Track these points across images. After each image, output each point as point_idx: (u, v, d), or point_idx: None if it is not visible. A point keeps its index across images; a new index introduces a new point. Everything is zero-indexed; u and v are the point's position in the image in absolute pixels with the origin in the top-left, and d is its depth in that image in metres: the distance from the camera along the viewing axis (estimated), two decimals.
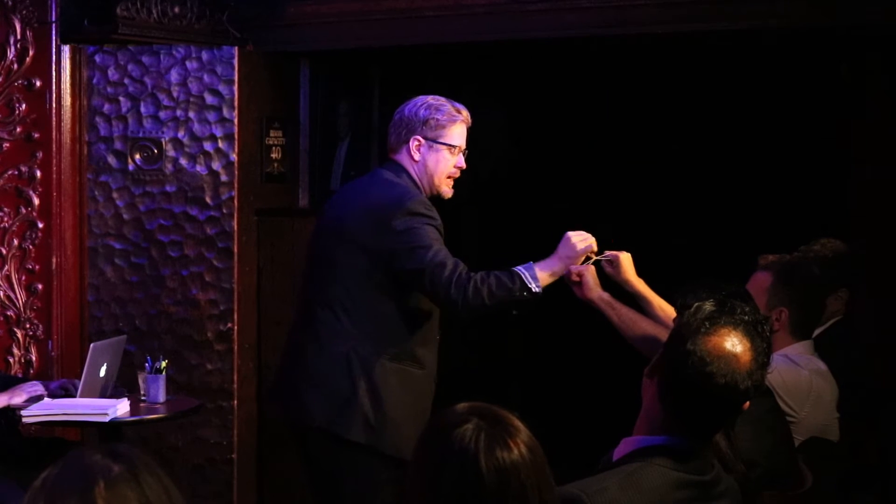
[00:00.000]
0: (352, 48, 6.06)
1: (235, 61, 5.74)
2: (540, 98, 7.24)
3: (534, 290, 3.91)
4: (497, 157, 7.26)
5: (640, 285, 3.93)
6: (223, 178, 5.74)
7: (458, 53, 6.46)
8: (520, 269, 3.94)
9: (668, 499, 2.43)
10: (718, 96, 6.71)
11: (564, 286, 4.01)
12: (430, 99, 4.21)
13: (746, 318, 2.53)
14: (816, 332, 4.40)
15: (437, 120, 4.15)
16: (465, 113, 4.23)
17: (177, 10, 5.79)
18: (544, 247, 6.85)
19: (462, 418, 2.02)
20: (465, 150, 4.23)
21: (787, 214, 6.33)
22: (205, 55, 5.75)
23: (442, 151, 4.16)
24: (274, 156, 6.06)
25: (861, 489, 4.29)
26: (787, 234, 4.86)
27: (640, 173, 7.08)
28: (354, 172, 6.81)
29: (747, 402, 2.53)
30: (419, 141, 4.13)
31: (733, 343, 2.48)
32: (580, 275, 3.94)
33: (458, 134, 4.20)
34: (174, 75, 5.76)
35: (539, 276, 3.94)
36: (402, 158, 4.17)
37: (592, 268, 3.98)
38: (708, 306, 2.54)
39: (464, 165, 4.23)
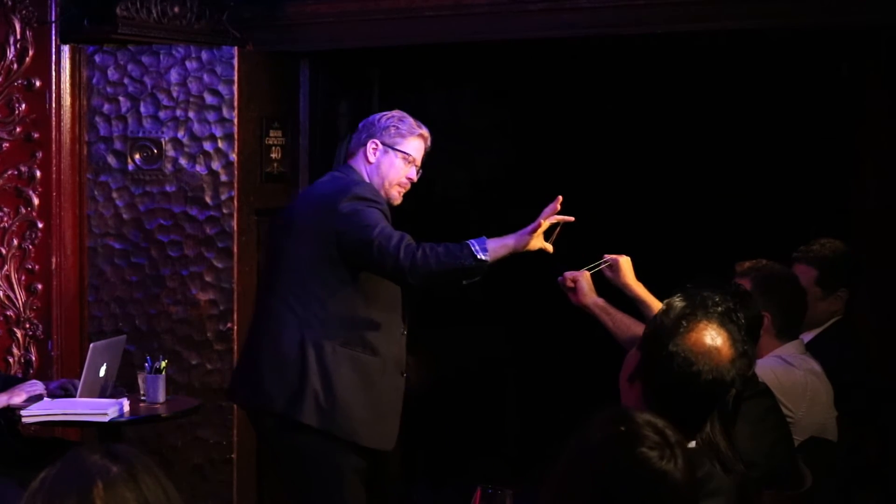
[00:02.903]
0: (352, 48, 6.07)
1: (235, 61, 5.74)
2: (539, 98, 7.24)
3: (480, 257, 4.00)
4: (496, 158, 7.27)
5: (640, 289, 3.93)
6: (223, 177, 5.74)
7: (457, 53, 6.47)
8: (471, 240, 4.07)
9: None
10: (719, 96, 6.72)
11: (561, 292, 4.02)
12: (396, 112, 4.36)
13: (720, 308, 2.54)
14: (816, 332, 4.41)
15: (398, 129, 4.28)
16: (426, 132, 4.35)
17: (176, 9, 5.79)
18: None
19: (644, 434, 2.00)
20: (420, 169, 4.33)
21: (788, 214, 6.33)
22: (204, 55, 5.75)
23: (397, 158, 4.27)
24: (274, 156, 6.05)
25: (861, 489, 4.29)
26: (787, 235, 4.86)
27: (640, 174, 7.09)
28: None
29: (733, 390, 2.55)
30: (376, 144, 4.27)
31: (712, 337, 2.49)
32: (575, 280, 3.95)
33: (415, 147, 4.31)
34: (174, 75, 5.76)
35: (490, 247, 4.04)
36: (357, 161, 4.30)
37: (587, 273, 3.98)
38: (678, 303, 2.54)
39: (415, 179, 4.34)
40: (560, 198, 4.10)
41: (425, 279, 4.03)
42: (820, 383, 3.92)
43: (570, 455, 2.04)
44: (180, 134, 5.76)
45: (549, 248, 4.12)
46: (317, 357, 4.10)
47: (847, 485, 4.08)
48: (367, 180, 4.25)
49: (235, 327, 5.76)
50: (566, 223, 4.11)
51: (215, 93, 5.73)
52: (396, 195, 4.32)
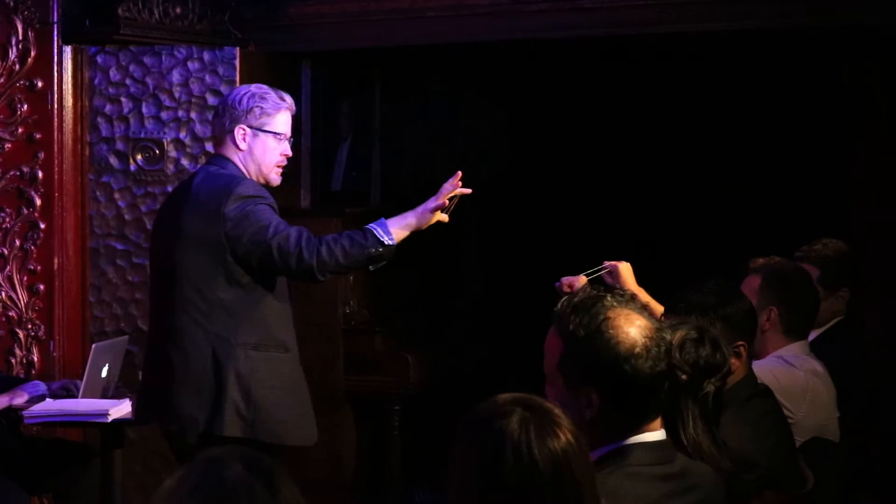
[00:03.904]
0: (353, 48, 6.07)
1: (237, 62, 5.75)
2: (541, 98, 7.25)
3: (387, 242, 3.93)
4: (498, 158, 7.27)
5: (642, 295, 3.94)
6: None
7: (458, 54, 6.47)
8: (372, 225, 3.97)
9: (655, 493, 2.43)
10: (720, 97, 6.72)
11: (557, 296, 4.01)
12: (254, 87, 4.16)
13: (620, 298, 2.50)
14: (818, 332, 4.41)
15: (262, 108, 4.08)
16: (290, 100, 4.18)
17: (178, 10, 5.79)
18: (546, 247, 6.87)
19: (507, 410, 2.03)
20: (291, 138, 4.18)
21: (789, 215, 6.33)
22: (206, 56, 5.76)
23: (268, 139, 4.09)
24: None
25: (863, 489, 4.30)
26: (788, 235, 4.87)
27: (642, 175, 7.09)
28: (356, 173, 6.82)
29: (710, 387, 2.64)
30: (244, 130, 4.06)
31: (639, 329, 2.44)
32: (571, 286, 3.93)
33: (283, 122, 4.13)
34: (176, 76, 5.76)
35: (392, 230, 3.97)
36: (227, 150, 4.10)
37: (584, 279, 3.97)
38: (586, 309, 2.47)
39: (289, 153, 4.18)
40: (460, 173, 4.04)
41: (334, 274, 3.99)
42: (821, 384, 3.92)
43: (457, 441, 2.07)
44: (182, 134, 5.76)
45: (445, 218, 4.07)
46: (231, 367, 3.93)
47: (848, 485, 4.09)
48: (243, 168, 4.08)
49: None
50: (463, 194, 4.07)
51: (217, 93, 5.73)
52: (276, 176, 4.16)
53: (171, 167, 5.77)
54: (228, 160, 4.09)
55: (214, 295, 3.95)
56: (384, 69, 6.81)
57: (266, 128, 4.08)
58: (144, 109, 5.75)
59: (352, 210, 6.18)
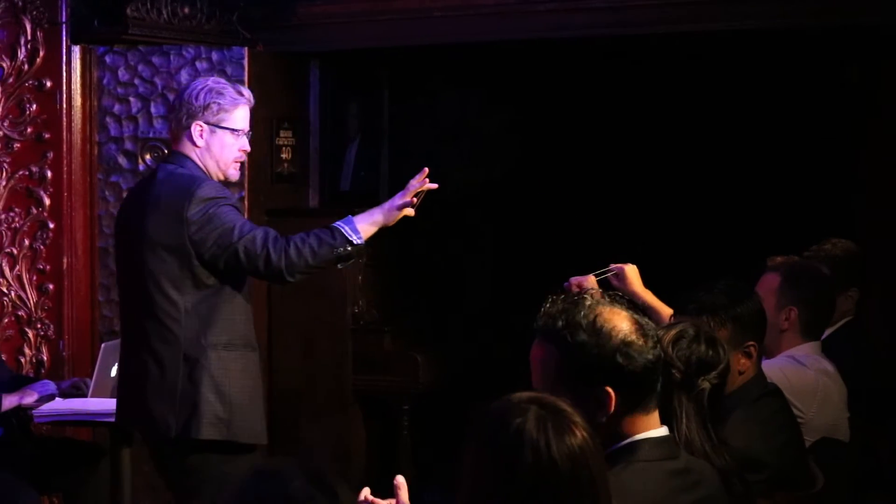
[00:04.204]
0: (361, 48, 6.07)
1: (245, 62, 5.75)
2: (549, 98, 7.24)
3: (355, 241, 3.91)
4: (506, 157, 7.26)
5: (648, 296, 3.93)
6: None
7: (466, 53, 6.47)
8: (339, 223, 3.94)
9: (665, 489, 2.43)
10: (728, 97, 6.71)
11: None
12: (211, 82, 4.09)
13: (600, 298, 2.51)
14: (827, 332, 4.40)
15: (220, 104, 4.01)
16: (248, 95, 4.12)
17: (186, 10, 5.80)
18: (555, 246, 6.86)
19: (522, 408, 2.03)
20: (250, 132, 4.13)
21: (797, 215, 6.32)
22: (215, 56, 5.76)
23: (226, 135, 4.02)
24: (284, 156, 6.06)
25: (873, 489, 4.29)
26: (797, 235, 4.86)
27: (650, 174, 7.08)
28: (364, 173, 6.82)
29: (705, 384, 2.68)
30: (201, 126, 3.99)
31: (628, 320, 2.45)
32: (580, 286, 3.92)
33: (241, 117, 4.07)
34: (184, 76, 5.76)
35: (360, 227, 3.94)
36: (184, 147, 4.03)
37: (593, 278, 3.96)
38: (574, 312, 2.46)
39: (248, 148, 4.12)
40: (426, 170, 4.00)
41: (303, 274, 3.94)
42: (832, 384, 3.91)
43: (470, 440, 2.07)
44: None
45: (411, 212, 4.04)
46: (205, 370, 3.90)
47: (859, 486, 4.08)
48: (201, 164, 4.01)
49: None
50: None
51: None
52: (234, 172, 4.10)
53: None
54: (186, 157, 4.02)
55: (182, 298, 3.91)
56: (392, 69, 6.81)
57: (223, 124, 4.02)
58: (153, 109, 5.76)
59: (361, 210, 6.17)
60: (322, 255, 3.89)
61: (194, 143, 4.01)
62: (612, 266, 4.00)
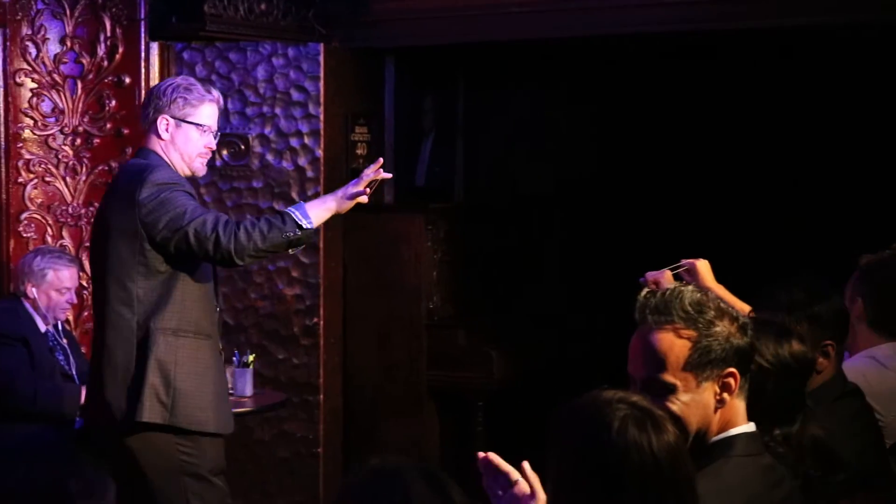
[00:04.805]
0: (436, 44, 6.07)
1: (321, 58, 5.77)
2: (626, 95, 7.20)
3: (305, 226, 3.91)
4: (580, 155, 7.23)
5: (721, 291, 3.87)
6: (309, 173, 5.77)
7: (542, 49, 6.44)
8: (290, 208, 3.97)
9: (758, 484, 2.42)
10: (817, 93, 6.62)
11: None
12: (180, 79, 4.20)
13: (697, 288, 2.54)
14: None
15: (186, 99, 4.07)
16: (217, 94, 4.18)
17: (263, 7, 5.83)
18: (628, 244, 6.82)
19: (615, 408, 2.04)
20: (217, 131, 4.17)
21: (883, 212, 6.22)
22: (291, 52, 5.79)
23: (190, 130, 4.08)
24: (359, 151, 6.08)
25: None
26: (883, 232, 4.78)
27: (729, 173, 7.02)
28: (438, 168, 6.82)
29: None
30: (167, 120, 4.05)
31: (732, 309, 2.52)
32: (656, 282, 3.88)
33: (207, 114, 4.11)
34: (261, 72, 5.80)
35: (311, 213, 3.94)
36: (150, 141, 4.10)
37: (669, 273, 3.92)
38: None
39: (213, 145, 4.16)
40: (381, 160, 4.04)
41: (253, 258, 3.99)
42: None
43: (558, 439, 2.08)
44: (267, 130, 5.80)
45: (365, 199, 4.05)
46: (152, 353, 3.94)
47: None
48: (165, 157, 4.07)
49: (321, 322, 5.79)
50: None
51: (301, 89, 5.76)
52: (200, 166, 4.14)
53: (256, 162, 5.81)
54: (151, 151, 4.10)
55: (136, 284, 3.97)
56: (468, 64, 6.80)
57: (189, 119, 4.07)
58: (230, 105, 5.80)
59: (435, 205, 6.19)
60: (272, 238, 3.91)
61: (159, 137, 4.08)
62: (684, 261, 3.95)
